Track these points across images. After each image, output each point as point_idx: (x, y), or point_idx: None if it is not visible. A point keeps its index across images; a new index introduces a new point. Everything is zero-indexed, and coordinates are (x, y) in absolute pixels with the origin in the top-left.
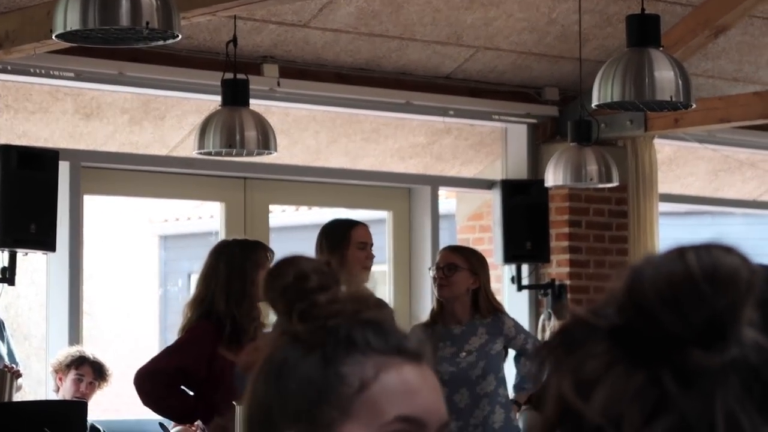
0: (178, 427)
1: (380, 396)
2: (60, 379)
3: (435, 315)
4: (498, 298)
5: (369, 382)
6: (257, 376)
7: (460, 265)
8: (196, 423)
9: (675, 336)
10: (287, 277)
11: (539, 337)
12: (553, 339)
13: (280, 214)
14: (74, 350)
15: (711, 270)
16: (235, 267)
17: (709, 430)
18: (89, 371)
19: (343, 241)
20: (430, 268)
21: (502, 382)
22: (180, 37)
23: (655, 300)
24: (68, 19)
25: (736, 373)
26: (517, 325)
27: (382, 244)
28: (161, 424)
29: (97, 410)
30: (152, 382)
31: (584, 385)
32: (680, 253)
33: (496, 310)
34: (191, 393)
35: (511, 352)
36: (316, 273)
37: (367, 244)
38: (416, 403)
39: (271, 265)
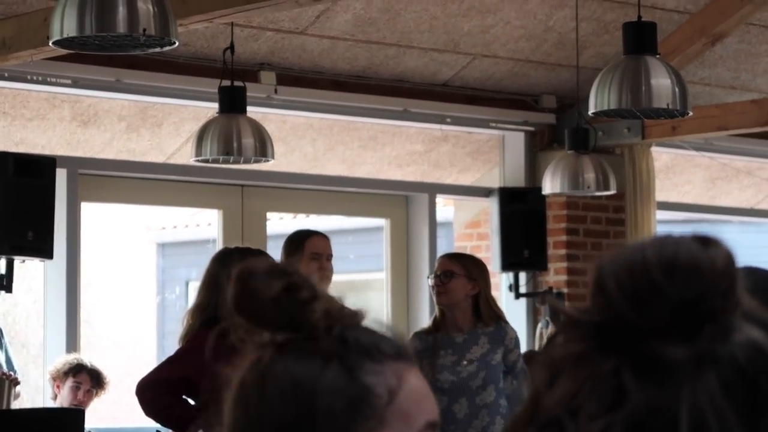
0: None
1: (408, 404)
2: (57, 387)
3: (437, 323)
4: None
5: (396, 391)
6: (241, 400)
7: (457, 272)
8: None
9: (637, 327)
10: (273, 288)
11: (536, 345)
12: (548, 337)
13: (278, 222)
14: (72, 358)
15: (669, 261)
16: None
17: (670, 426)
18: (87, 379)
19: (297, 251)
20: (428, 276)
21: (502, 392)
22: (177, 44)
23: (617, 291)
24: (65, 25)
25: (713, 369)
26: (516, 340)
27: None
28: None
29: (95, 418)
30: (154, 392)
31: (552, 375)
32: (642, 244)
33: (498, 317)
34: (193, 402)
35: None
36: (304, 282)
37: (320, 255)
38: (434, 406)
39: (237, 274)
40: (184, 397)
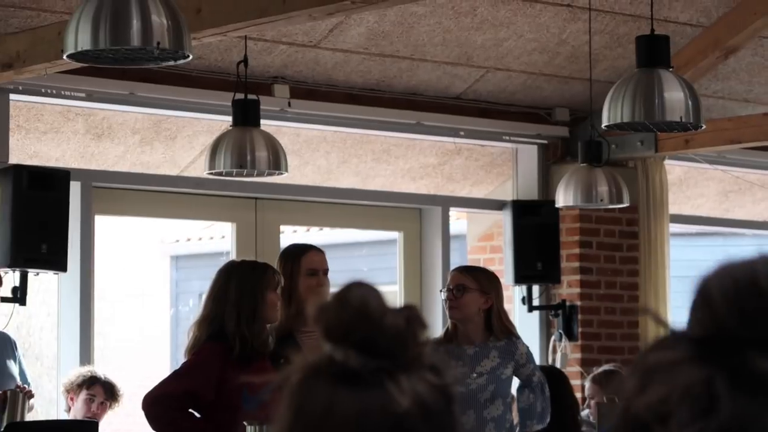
0: None
1: None
2: (71, 399)
3: (449, 335)
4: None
5: None
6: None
7: (470, 286)
8: None
9: (739, 340)
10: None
11: (550, 357)
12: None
13: (291, 235)
14: (85, 370)
15: None
16: (247, 287)
17: None
18: (101, 391)
19: (294, 268)
20: (441, 290)
21: (509, 407)
22: (191, 57)
23: (724, 305)
24: (79, 39)
25: None
26: (528, 354)
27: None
28: None
29: (109, 430)
30: (160, 407)
31: (644, 383)
32: (752, 260)
33: (510, 333)
34: (199, 416)
35: (515, 382)
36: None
37: (317, 271)
38: None
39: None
40: (190, 411)
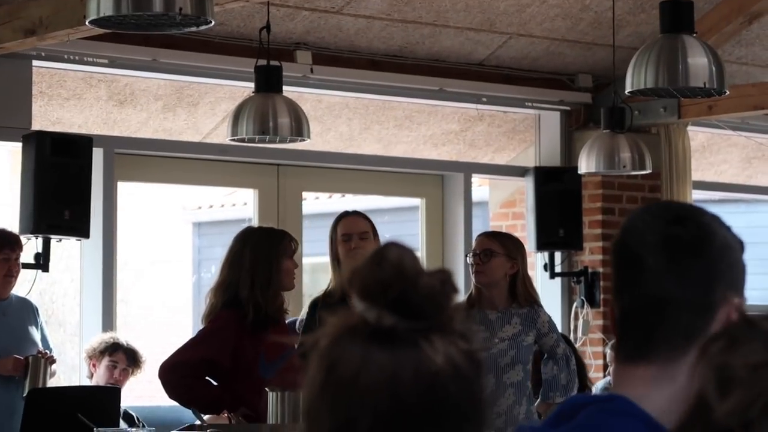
0: (209, 416)
1: None
2: (93, 366)
3: (471, 300)
4: None
5: None
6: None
7: (497, 251)
8: (223, 412)
9: None
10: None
11: (572, 324)
12: (716, 336)
13: (314, 201)
14: (108, 337)
15: None
16: (262, 254)
17: None
18: (123, 358)
19: (334, 235)
20: (467, 255)
21: (528, 374)
22: (213, 23)
23: None
24: (102, 4)
25: None
26: (550, 323)
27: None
28: (194, 411)
29: (131, 396)
30: (177, 375)
31: (724, 380)
32: None
33: (533, 301)
34: (216, 383)
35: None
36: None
37: (350, 236)
38: None
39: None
40: (206, 378)
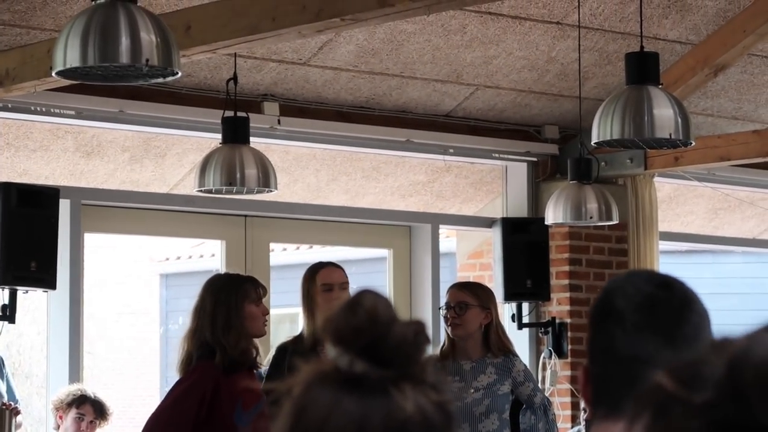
0: None
1: None
2: (60, 418)
3: (444, 353)
4: None
5: None
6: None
7: (471, 303)
8: None
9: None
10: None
11: (539, 374)
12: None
13: (281, 253)
14: (75, 388)
15: None
16: (220, 299)
17: None
18: (90, 410)
19: (311, 285)
20: (440, 308)
21: (506, 424)
22: (180, 74)
23: (755, 388)
24: (68, 56)
25: None
26: (526, 372)
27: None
28: None
29: None
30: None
31: None
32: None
33: (507, 350)
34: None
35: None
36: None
37: (331, 285)
38: None
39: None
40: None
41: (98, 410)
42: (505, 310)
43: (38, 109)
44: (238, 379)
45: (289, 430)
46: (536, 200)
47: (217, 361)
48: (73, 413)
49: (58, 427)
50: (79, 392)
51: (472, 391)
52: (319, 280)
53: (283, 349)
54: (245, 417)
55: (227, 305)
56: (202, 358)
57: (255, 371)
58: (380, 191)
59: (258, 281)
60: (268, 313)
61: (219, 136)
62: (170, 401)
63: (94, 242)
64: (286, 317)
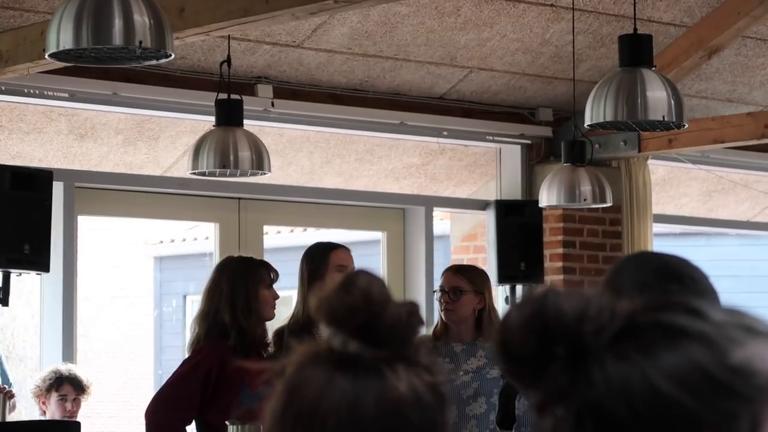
0: None
1: None
2: (44, 403)
3: (437, 334)
4: None
5: None
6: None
7: (465, 288)
8: None
9: None
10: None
11: None
12: None
13: (275, 235)
14: (48, 372)
15: None
16: (237, 281)
17: None
18: (70, 389)
19: (322, 264)
20: (435, 291)
21: (494, 407)
22: (173, 56)
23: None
24: (61, 38)
25: None
26: None
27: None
28: None
29: (92, 430)
30: (166, 413)
31: None
32: None
33: None
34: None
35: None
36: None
37: (346, 267)
38: None
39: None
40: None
41: (77, 386)
42: (499, 293)
43: (31, 91)
44: (247, 361)
45: (282, 410)
46: (530, 183)
47: (232, 342)
48: (54, 397)
49: (44, 412)
50: (54, 375)
51: (462, 373)
52: (335, 261)
53: (280, 334)
54: (252, 397)
55: (245, 289)
56: (210, 336)
57: (264, 354)
58: (374, 174)
59: (271, 265)
60: (278, 297)
61: (212, 118)
62: (174, 378)
63: (87, 225)
64: (280, 300)
